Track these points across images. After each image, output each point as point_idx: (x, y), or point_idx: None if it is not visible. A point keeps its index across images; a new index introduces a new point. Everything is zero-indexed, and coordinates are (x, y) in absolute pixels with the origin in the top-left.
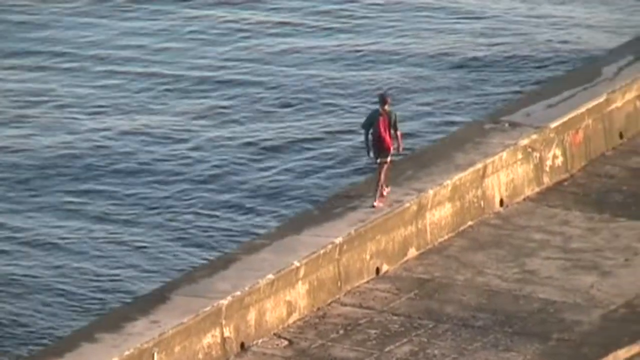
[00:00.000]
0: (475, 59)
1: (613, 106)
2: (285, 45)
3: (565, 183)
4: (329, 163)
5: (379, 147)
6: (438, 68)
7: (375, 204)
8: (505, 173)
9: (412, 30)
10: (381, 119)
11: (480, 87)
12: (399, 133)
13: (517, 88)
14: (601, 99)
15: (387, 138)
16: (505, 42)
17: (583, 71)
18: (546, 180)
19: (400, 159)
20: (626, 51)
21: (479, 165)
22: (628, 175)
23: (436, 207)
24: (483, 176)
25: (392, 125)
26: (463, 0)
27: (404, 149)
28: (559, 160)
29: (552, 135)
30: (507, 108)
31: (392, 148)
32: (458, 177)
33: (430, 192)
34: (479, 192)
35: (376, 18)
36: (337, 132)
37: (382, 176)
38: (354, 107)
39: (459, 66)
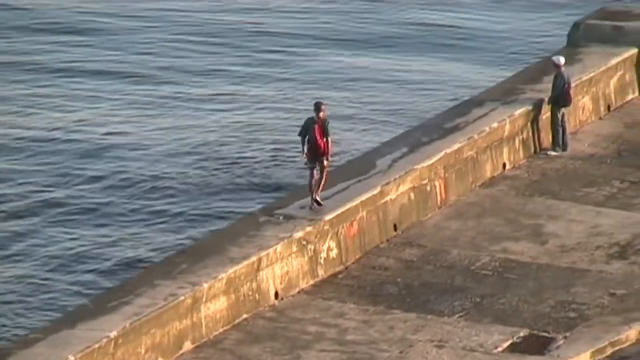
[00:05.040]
0: None
1: (387, 198)
2: None
3: (340, 275)
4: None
5: (315, 153)
6: None
7: (317, 200)
8: (280, 266)
9: None
10: (316, 126)
11: None
12: (329, 139)
13: None
14: (375, 191)
15: (322, 144)
16: None
17: (357, 163)
18: (321, 272)
19: (173, 253)
20: (400, 143)
21: (254, 258)
22: (402, 267)
23: (211, 300)
24: (258, 269)
25: (324, 132)
26: None
27: (331, 155)
28: (334, 253)
29: (326, 227)
30: (281, 201)
31: (328, 153)
32: (233, 270)
33: (205, 285)
34: (254, 285)
35: None
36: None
37: (324, 179)
38: None
39: None
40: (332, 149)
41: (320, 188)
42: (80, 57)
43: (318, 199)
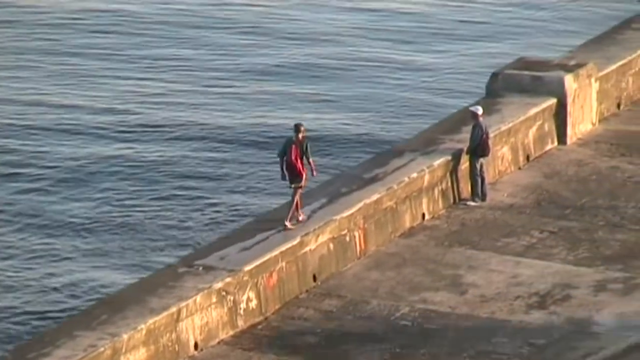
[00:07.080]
0: None
1: (307, 249)
2: None
3: (260, 326)
4: None
5: (291, 173)
6: None
7: (286, 224)
8: (200, 317)
9: None
10: (293, 146)
11: None
12: (311, 161)
13: None
14: (295, 242)
15: (298, 165)
16: None
17: (276, 213)
18: (240, 323)
19: (92, 304)
20: (319, 194)
21: (173, 309)
22: (322, 317)
23: (131, 351)
24: (177, 320)
25: (304, 153)
26: None
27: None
28: (253, 304)
29: (246, 278)
30: (201, 252)
31: (304, 174)
32: (152, 321)
33: (125, 336)
34: (174, 335)
35: None
36: None
37: (297, 201)
38: None
39: None
40: (315, 169)
41: (291, 212)
42: None
43: (299, 219)
